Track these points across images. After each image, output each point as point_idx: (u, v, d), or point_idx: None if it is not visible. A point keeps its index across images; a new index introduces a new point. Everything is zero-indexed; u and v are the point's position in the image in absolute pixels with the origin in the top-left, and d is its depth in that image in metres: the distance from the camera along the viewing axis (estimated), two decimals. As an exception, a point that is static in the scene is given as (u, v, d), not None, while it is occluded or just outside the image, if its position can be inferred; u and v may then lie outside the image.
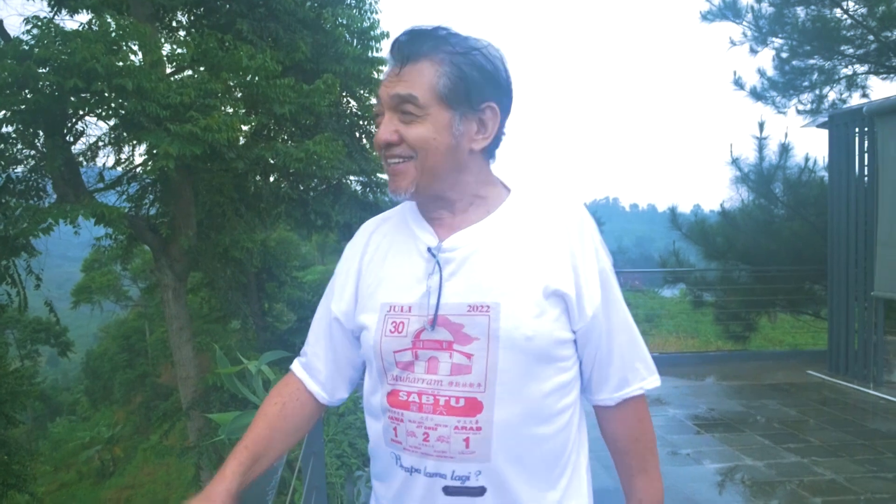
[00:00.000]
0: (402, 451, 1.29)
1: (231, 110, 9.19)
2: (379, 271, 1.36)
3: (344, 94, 11.92)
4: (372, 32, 11.50)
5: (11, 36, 10.01)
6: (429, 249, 1.31)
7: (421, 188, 1.27)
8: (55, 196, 9.49)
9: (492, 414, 1.23)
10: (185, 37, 10.62)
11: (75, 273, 27.44)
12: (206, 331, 17.73)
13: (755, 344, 10.29)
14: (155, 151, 7.97)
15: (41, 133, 8.57)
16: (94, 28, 8.06)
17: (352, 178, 13.07)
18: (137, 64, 8.03)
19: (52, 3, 10.31)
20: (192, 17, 11.09)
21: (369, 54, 11.63)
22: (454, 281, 1.27)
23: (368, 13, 12.00)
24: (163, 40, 10.19)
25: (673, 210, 10.17)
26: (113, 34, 7.86)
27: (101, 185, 10.46)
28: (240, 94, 9.70)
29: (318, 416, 1.52)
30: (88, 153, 10.15)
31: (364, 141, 12.53)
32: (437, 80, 1.22)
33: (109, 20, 8.20)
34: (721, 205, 9.99)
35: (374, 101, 12.15)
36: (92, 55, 7.01)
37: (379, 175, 13.05)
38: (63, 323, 22.80)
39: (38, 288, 10.19)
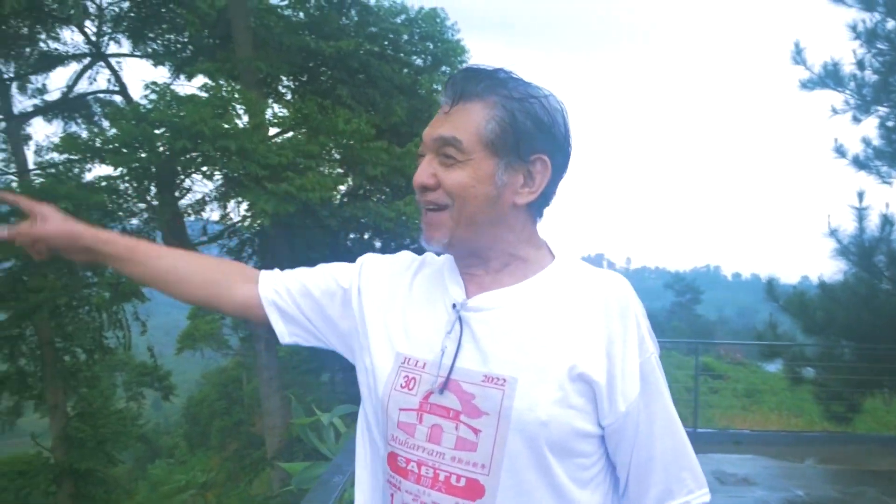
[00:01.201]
0: None
1: (327, 171, 9.64)
2: (404, 313, 1.24)
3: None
4: (465, 99, 11.87)
5: (133, 99, 10.98)
6: (453, 305, 1.17)
7: (456, 240, 1.15)
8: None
9: (493, 502, 1.09)
10: (289, 100, 11.30)
11: (182, 320, 28.73)
12: (299, 382, 18.17)
13: (863, 426, 9.66)
14: (253, 208, 8.47)
15: (153, 188, 9.23)
16: (206, 93, 8.72)
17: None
18: (242, 126, 8.59)
19: (173, 69, 11.22)
20: (296, 83, 11.75)
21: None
22: (474, 345, 1.15)
23: (463, 79, 12.42)
24: (270, 101, 10.90)
25: (770, 281, 9.82)
26: (222, 99, 8.48)
27: (204, 238, 11.10)
28: (336, 156, 10.18)
29: (223, 307, 1.38)
30: (194, 208, 10.83)
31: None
32: (485, 123, 1.11)
33: (222, 84, 8.88)
34: (819, 277, 9.60)
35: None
36: (201, 118, 7.58)
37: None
38: (167, 368, 23.86)
39: (143, 334, 10.84)
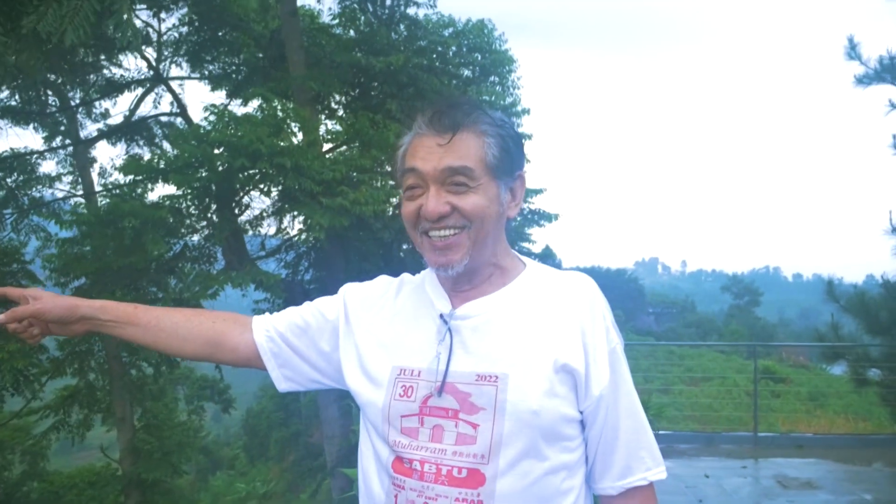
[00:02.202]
0: None
1: (379, 184, 9.83)
2: (394, 329, 1.35)
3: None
4: (514, 109, 11.95)
5: (193, 120, 11.37)
6: (441, 316, 1.30)
7: (473, 258, 1.26)
8: (223, 262, 10.45)
9: (494, 487, 1.19)
10: (341, 116, 11.56)
11: (240, 334, 29.24)
12: (348, 395, 18.46)
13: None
14: (309, 223, 8.71)
15: (213, 206, 9.54)
16: (261, 113, 9.00)
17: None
18: (296, 144, 8.84)
19: (228, 92, 11.59)
20: (347, 99, 12.01)
21: (511, 130, 12.07)
22: (464, 349, 1.26)
23: (511, 89, 12.52)
24: (323, 118, 11.16)
25: (830, 281, 9.62)
26: (277, 118, 8.75)
27: (262, 253, 11.39)
28: (388, 168, 10.37)
29: (225, 360, 1.51)
30: (252, 224, 11.14)
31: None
32: (485, 151, 1.22)
33: (276, 105, 9.16)
34: (883, 276, 9.38)
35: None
36: (257, 137, 7.84)
37: (520, 244, 13.30)
38: (226, 381, 24.42)
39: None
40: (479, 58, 12.10)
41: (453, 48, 11.73)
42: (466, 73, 12.10)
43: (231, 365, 1.57)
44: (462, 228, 1.23)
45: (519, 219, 12.90)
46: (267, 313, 1.52)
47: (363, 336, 1.38)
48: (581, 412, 1.25)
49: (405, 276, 1.48)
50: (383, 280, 1.48)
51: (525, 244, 13.39)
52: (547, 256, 14.07)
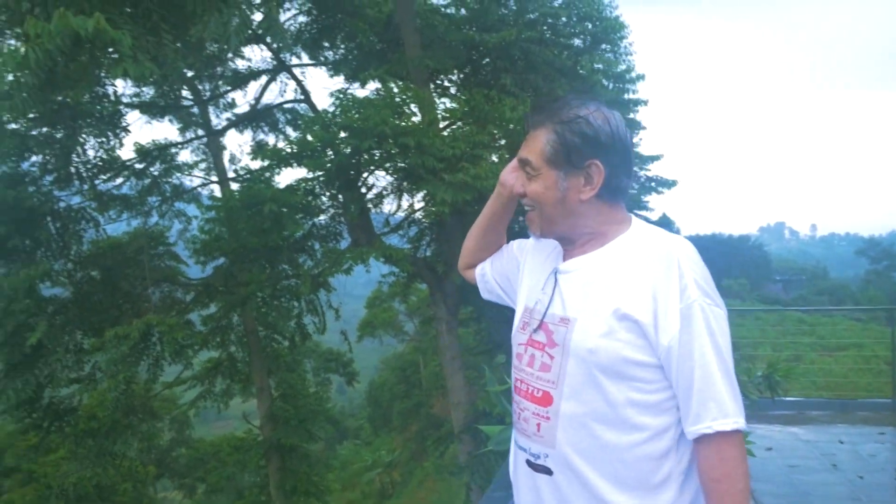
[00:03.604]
0: (515, 426, 1.64)
1: (496, 159, 10.05)
2: (533, 276, 1.71)
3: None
4: (627, 76, 11.84)
5: (316, 106, 11.93)
6: (553, 269, 1.62)
7: (545, 231, 1.59)
8: (350, 240, 11.00)
9: (559, 407, 1.48)
10: (455, 94, 11.81)
11: (360, 309, 30.30)
12: (474, 364, 18.87)
13: None
14: (432, 199, 9.04)
15: (340, 186, 10.05)
16: (380, 96, 9.37)
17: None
18: (417, 123, 9.17)
19: (347, 77, 12.07)
20: (461, 77, 12.24)
21: (625, 97, 11.96)
22: (559, 297, 1.56)
23: (624, 56, 12.38)
24: (437, 99, 11.45)
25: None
26: (397, 100, 9.10)
27: (386, 230, 11.87)
28: (504, 143, 10.55)
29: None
30: (375, 202, 11.61)
31: (621, 181, 12.82)
32: (545, 146, 1.51)
33: (394, 87, 9.52)
34: None
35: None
36: (382, 119, 8.21)
37: (639, 212, 13.21)
38: (350, 354, 25.46)
39: (337, 319, 11.83)
40: (590, 26, 11.99)
41: (563, 18, 11.69)
42: (577, 42, 12.03)
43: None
44: (532, 208, 1.58)
45: (636, 187, 12.82)
46: (489, 261, 1.98)
47: (525, 277, 1.77)
48: (658, 359, 1.43)
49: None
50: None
51: (642, 212, 13.26)
52: (664, 224, 13.84)
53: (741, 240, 64.30)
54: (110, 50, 3.92)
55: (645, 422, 1.44)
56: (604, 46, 12.31)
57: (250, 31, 9.09)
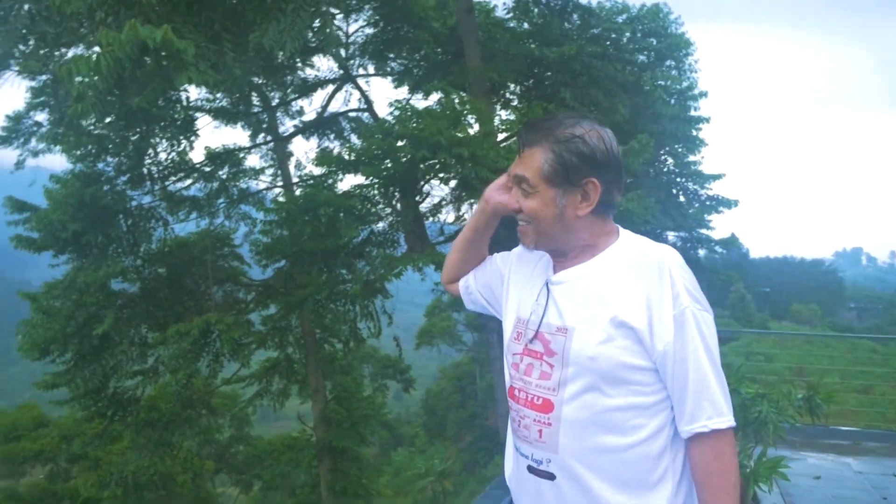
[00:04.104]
0: (514, 433, 1.69)
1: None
2: (524, 287, 1.76)
3: (661, 152, 12.25)
4: (690, 92, 11.73)
5: (379, 115, 12.19)
6: (546, 280, 1.67)
7: (539, 244, 1.65)
8: (406, 247, 11.17)
9: (560, 413, 1.54)
10: (515, 106, 11.91)
11: (419, 318, 30.53)
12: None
13: None
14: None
15: (397, 194, 10.24)
16: (440, 107, 9.53)
17: (670, 233, 13.16)
18: (473, 134, 9.30)
19: (410, 87, 12.32)
20: (522, 89, 12.32)
21: (688, 114, 11.84)
22: (553, 307, 1.61)
23: (689, 73, 12.27)
24: (498, 108, 11.57)
25: None
26: (455, 110, 9.25)
27: (441, 238, 12.02)
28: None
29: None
30: (433, 211, 11.77)
31: (681, 198, 12.67)
32: (543, 164, 1.55)
33: (454, 98, 9.67)
34: None
35: (690, 158, 12.36)
36: (437, 130, 8.36)
37: (700, 230, 13.02)
38: (407, 362, 25.67)
39: (390, 325, 12.01)
40: (655, 42, 11.94)
41: (627, 34, 11.66)
42: (641, 58, 11.99)
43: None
44: (527, 222, 1.63)
45: (696, 206, 12.66)
46: (472, 273, 2.04)
47: (513, 289, 1.83)
48: (654, 363, 1.51)
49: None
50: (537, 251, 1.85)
51: (703, 231, 13.05)
52: (731, 244, 13.55)
53: (814, 264, 62.36)
54: (173, 58, 4.17)
55: (642, 423, 1.52)
56: (668, 63, 12.23)
57: (313, 43, 9.36)
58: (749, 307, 42.65)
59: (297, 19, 4.26)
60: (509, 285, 1.83)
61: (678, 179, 12.71)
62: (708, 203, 12.50)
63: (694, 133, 11.87)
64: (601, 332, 1.50)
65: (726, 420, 1.49)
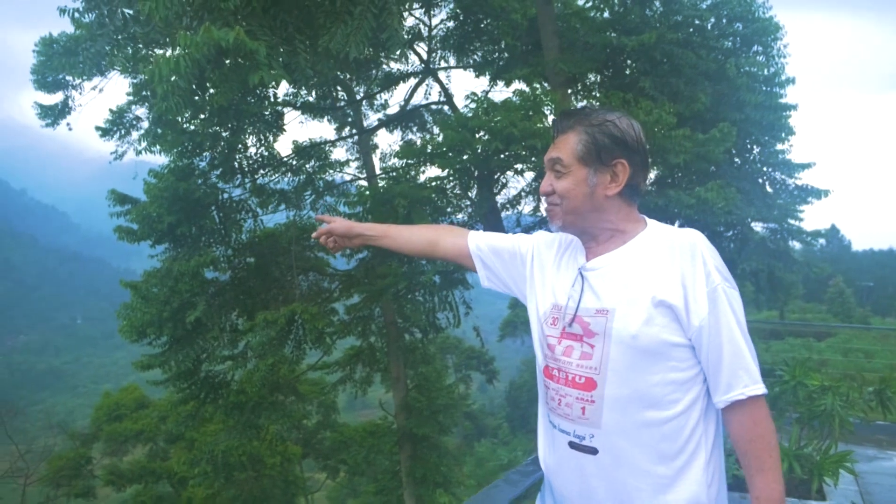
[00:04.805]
0: (550, 411, 1.79)
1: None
2: (555, 274, 1.87)
3: (747, 141, 11.89)
4: (776, 79, 11.34)
5: (458, 107, 12.33)
6: (579, 268, 1.78)
7: (567, 224, 1.76)
8: (484, 238, 11.27)
9: (603, 391, 1.64)
10: (594, 96, 11.80)
11: (503, 309, 30.65)
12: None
13: None
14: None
15: (474, 186, 10.37)
16: (517, 98, 9.58)
17: (758, 225, 12.76)
18: (547, 126, 9.31)
19: (491, 78, 12.40)
20: (601, 79, 12.21)
21: (774, 101, 11.44)
22: (590, 291, 1.72)
23: (777, 59, 11.83)
24: (576, 99, 11.49)
25: None
26: (531, 102, 9.28)
27: (518, 230, 12.06)
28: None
29: (439, 256, 2.20)
30: (511, 203, 11.83)
31: (768, 188, 12.27)
32: (576, 145, 1.69)
33: (531, 88, 9.69)
34: None
35: (778, 146, 11.92)
36: (511, 122, 8.43)
37: (790, 221, 12.57)
38: (491, 353, 25.79)
39: (467, 314, 12.16)
40: (741, 27, 11.59)
41: (711, 20, 11.38)
42: (726, 44, 11.64)
43: (444, 260, 2.40)
44: (557, 204, 1.75)
45: (784, 196, 12.22)
46: (481, 230, 2.16)
47: (538, 273, 1.94)
48: (690, 339, 1.61)
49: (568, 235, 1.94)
50: (561, 235, 1.96)
51: (793, 222, 12.58)
52: (832, 235, 13.00)
53: (919, 258, 58.78)
54: (247, 58, 4.42)
55: (678, 398, 1.63)
56: (755, 48, 11.84)
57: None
58: (849, 302, 40.79)
59: (364, 21, 4.45)
60: (533, 268, 1.95)
61: (764, 169, 12.30)
62: (797, 193, 12.05)
63: (781, 121, 11.45)
64: (643, 312, 1.61)
65: (760, 387, 1.60)
